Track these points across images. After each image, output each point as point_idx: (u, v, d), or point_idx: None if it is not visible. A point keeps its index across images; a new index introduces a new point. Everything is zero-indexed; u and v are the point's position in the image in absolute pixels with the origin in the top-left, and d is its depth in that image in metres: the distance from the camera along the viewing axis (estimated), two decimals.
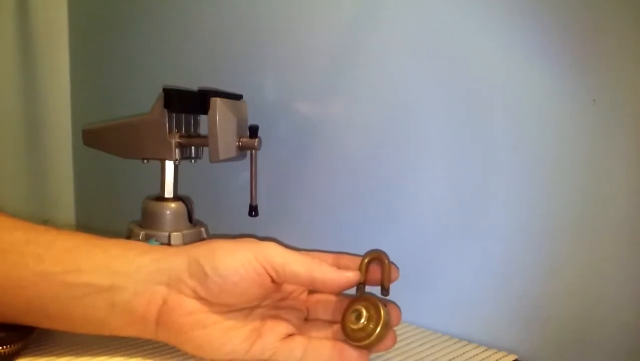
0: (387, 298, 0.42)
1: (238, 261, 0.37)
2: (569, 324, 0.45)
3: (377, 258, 0.42)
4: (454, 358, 0.45)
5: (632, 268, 0.42)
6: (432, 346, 0.48)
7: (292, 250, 0.40)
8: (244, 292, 0.38)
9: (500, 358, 0.46)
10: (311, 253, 0.43)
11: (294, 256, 0.39)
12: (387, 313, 0.38)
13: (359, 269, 0.41)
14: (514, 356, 0.46)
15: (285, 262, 0.38)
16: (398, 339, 0.47)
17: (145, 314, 0.38)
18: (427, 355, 0.46)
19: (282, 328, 0.41)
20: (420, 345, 0.48)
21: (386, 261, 0.41)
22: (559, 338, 0.46)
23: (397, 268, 0.42)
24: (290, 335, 0.41)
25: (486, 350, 0.47)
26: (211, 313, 0.38)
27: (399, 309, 0.41)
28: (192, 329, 0.38)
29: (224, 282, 0.37)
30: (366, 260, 0.42)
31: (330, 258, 0.43)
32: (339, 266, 0.42)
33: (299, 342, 0.40)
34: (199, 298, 0.38)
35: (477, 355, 0.46)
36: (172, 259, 0.38)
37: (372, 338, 0.37)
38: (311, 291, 0.44)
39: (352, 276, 0.39)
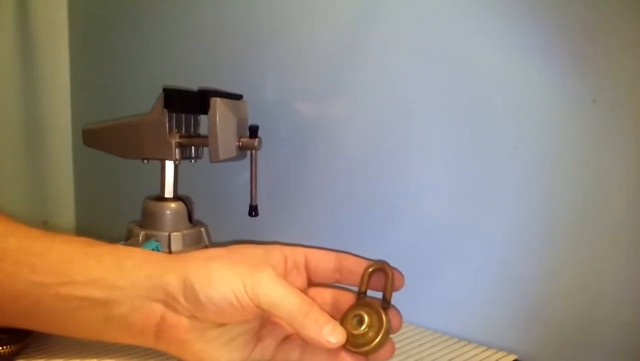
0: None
1: (232, 293, 0.36)
2: (569, 324, 0.45)
3: (380, 269, 0.41)
4: (454, 358, 0.45)
5: (632, 268, 0.42)
6: (432, 346, 0.48)
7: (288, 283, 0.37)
8: (239, 317, 0.37)
9: (500, 358, 0.46)
10: (314, 251, 0.42)
11: (283, 297, 0.36)
12: (388, 321, 0.38)
13: (361, 279, 0.41)
14: (514, 356, 0.46)
15: (270, 304, 0.36)
16: (398, 339, 0.47)
17: (143, 329, 0.38)
18: (427, 355, 0.46)
19: (281, 329, 0.41)
20: (420, 345, 0.48)
21: (389, 273, 0.40)
22: (559, 338, 0.46)
23: (402, 275, 0.41)
24: (288, 336, 0.41)
25: (486, 350, 0.47)
26: (210, 328, 0.38)
27: (400, 315, 0.40)
28: (193, 344, 0.38)
29: (218, 310, 0.36)
30: (370, 270, 0.41)
31: (332, 261, 0.42)
32: (341, 269, 0.42)
33: (296, 344, 0.40)
34: (196, 318, 0.37)
35: (477, 355, 0.46)
36: (167, 278, 0.37)
37: (373, 345, 0.37)
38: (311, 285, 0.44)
39: (333, 343, 0.36)
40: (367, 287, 0.41)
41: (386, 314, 0.38)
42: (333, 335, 0.36)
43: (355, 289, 0.41)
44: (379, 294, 0.40)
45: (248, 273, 0.37)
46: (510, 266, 0.48)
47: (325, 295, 0.42)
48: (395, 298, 0.41)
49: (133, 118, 0.60)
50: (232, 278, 0.36)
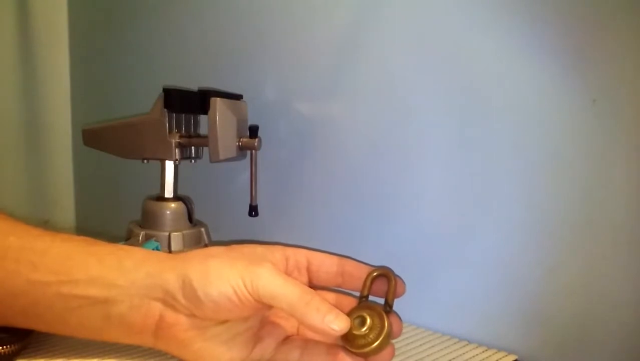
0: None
1: (230, 289, 0.36)
2: (569, 324, 0.45)
3: (383, 274, 0.41)
4: (454, 358, 0.45)
5: (632, 268, 0.42)
6: (432, 346, 0.48)
7: (288, 275, 0.38)
8: (239, 313, 0.37)
9: (500, 358, 0.46)
10: (317, 254, 0.42)
11: (284, 288, 0.36)
12: (390, 325, 0.38)
13: (364, 283, 0.41)
14: (514, 357, 0.46)
15: (270, 296, 0.36)
16: (398, 339, 0.47)
17: (142, 328, 0.38)
18: (427, 355, 0.46)
19: (281, 330, 0.41)
20: (421, 345, 0.48)
21: (393, 279, 0.40)
22: (559, 338, 0.46)
23: (403, 283, 0.41)
24: (288, 337, 0.41)
25: (486, 350, 0.47)
26: (209, 327, 0.38)
27: (401, 321, 0.40)
28: (192, 343, 0.38)
29: (217, 307, 0.36)
30: (373, 275, 0.41)
31: (334, 265, 0.42)
32: (343, 273, 0.42)
33: (296, 345, 0.40)
34: (195, 316, 0.37)
35: (477, 355, 0.46)
36: (166, 277, 0.37)
37: (374, 346, 0.37)
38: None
39: (336, 330, 0.36)
40: (369, 292, 0.41)
41: (388, 318, 0.38)
42: (336, 322, 0.36)
43: (356, 294, 0.41)
44: (379, 300, 0.41)
45: (247, 268, 0.37)
46: (510, 266, 0.48)
47: (328, 298, 0.42)
48: (396, 299, 0.41)
49: (133, 118, 0.60)
50: (231, 274, 0.36)
